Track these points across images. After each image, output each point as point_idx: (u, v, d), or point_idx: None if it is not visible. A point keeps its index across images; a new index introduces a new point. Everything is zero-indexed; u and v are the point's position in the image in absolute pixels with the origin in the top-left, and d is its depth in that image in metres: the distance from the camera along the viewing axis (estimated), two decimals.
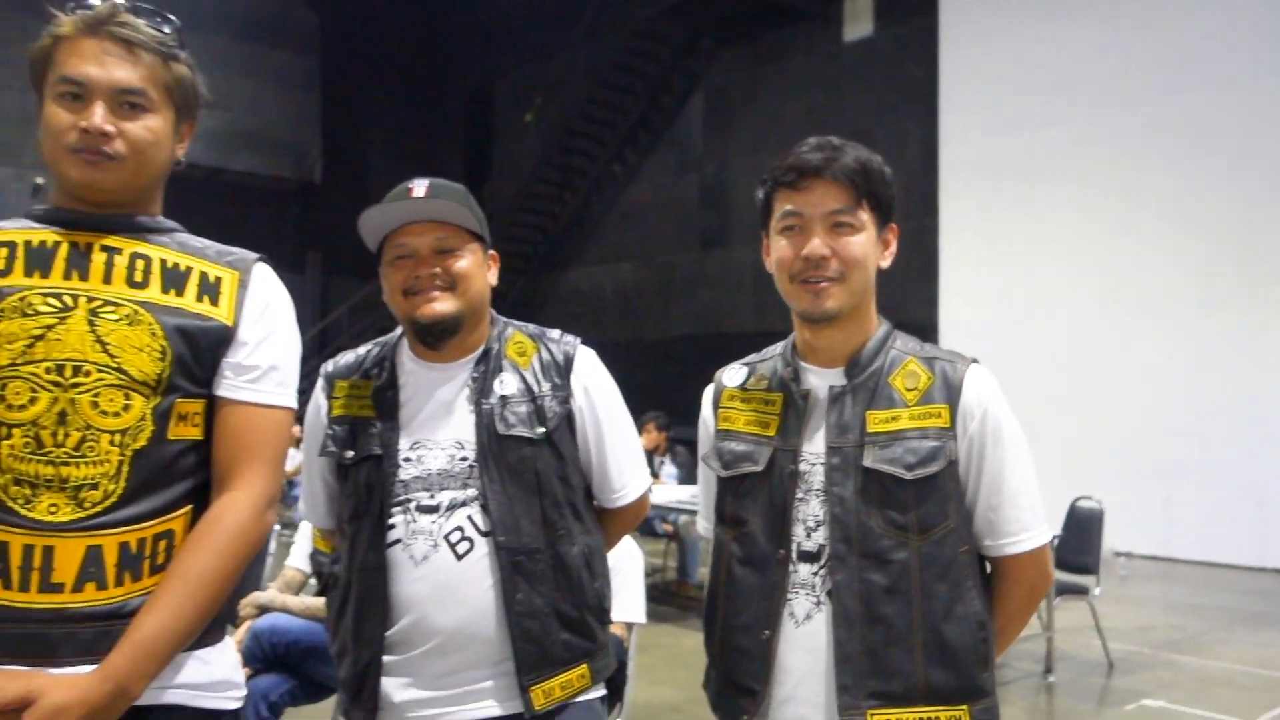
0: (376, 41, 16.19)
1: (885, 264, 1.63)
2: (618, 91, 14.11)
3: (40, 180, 14.27)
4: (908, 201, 11.12)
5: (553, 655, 1.71)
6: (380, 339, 1.88)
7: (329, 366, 1.86)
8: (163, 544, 1.38)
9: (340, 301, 15.27)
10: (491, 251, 1.83)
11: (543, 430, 1.74)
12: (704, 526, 1.80)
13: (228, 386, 1.45)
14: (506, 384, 1.77)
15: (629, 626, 3.10)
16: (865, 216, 1.56)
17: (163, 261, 1.44)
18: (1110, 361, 9.06)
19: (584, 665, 1.75)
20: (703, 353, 12.23)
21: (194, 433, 1.43)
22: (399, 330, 1.84)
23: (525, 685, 1.68)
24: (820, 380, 1.61)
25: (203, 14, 14.72)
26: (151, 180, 1.48)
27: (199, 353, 1.42)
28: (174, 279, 1.44)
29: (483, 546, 1.69)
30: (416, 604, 1.68)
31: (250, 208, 14.44)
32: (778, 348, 1.71)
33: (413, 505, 1.71)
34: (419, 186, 1.73)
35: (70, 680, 1.27)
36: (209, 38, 14.91)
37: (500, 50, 15.99)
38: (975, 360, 1.61)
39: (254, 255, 1.53)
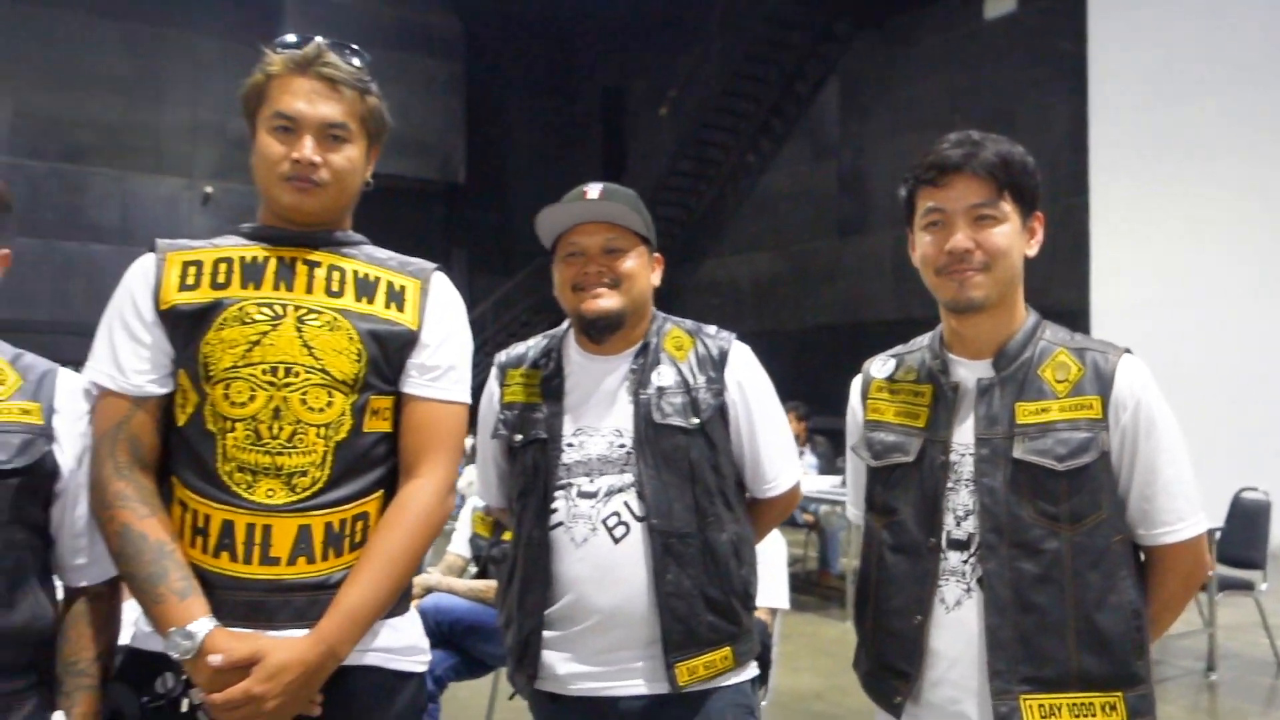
0: (515, 45, 16.61)
1: (1031, 252, 1.63)
2: (751, 81, 14.06)
3: (209, 189, 15.25)
4: (1055, 180, 10.72)
5: (698, 636, 1.78)
6: (549, 331, 1.99)
7: (502, 356, 1.99)
8: (360, 524, 1.53)
9: (484, 297, 15.75)
10: (656, 254, 1.93)
11: (696, 421, 1.82)
12: (854, 513, 1.84)
13: (413, 384, 1.58)
14: (664, 376, 1.85)
15: (773, 612, 3.17)
16: (1008, 208, 1.57)
17: (355, 272, 1.59)
18: (1274, 345, 8.55)
19: (727, 648, 1.82)
20: (841, 342, 12.11)
21: (385, 426, 1.57)
22: (566, 323, 1.95)
23: (670, 662, 1.77)
24: (968, 372, 1.63)
25: (358, 28, 15.40)
26: (348, 201, 1.63)
27: (389, 354, 1.56)
28: (365, 288, 1.58)
29: (638, 531, 1.78)
30: (577, 584, 1.79)
31: (400, 209, 14.96)
32: (925, 339, 1.73)
33: (574, 490, 1.82)
34: (593, 189, 1.84)
35: (289, 643, 1.43)
36: (364, 50, 15.59)
37: (634, 47, 16.14)
38: (1128, 350, 1.60)
39: (432, 265, 1.67)
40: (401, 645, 1.59)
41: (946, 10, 11.86)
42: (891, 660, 1.64)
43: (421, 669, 1.62)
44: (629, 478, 1.81)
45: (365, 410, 1.54)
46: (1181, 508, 1.57)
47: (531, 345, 1.99)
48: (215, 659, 1.38)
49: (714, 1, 14.08)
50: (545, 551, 1.81)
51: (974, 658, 1.55)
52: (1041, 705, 1.51)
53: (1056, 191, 10.64)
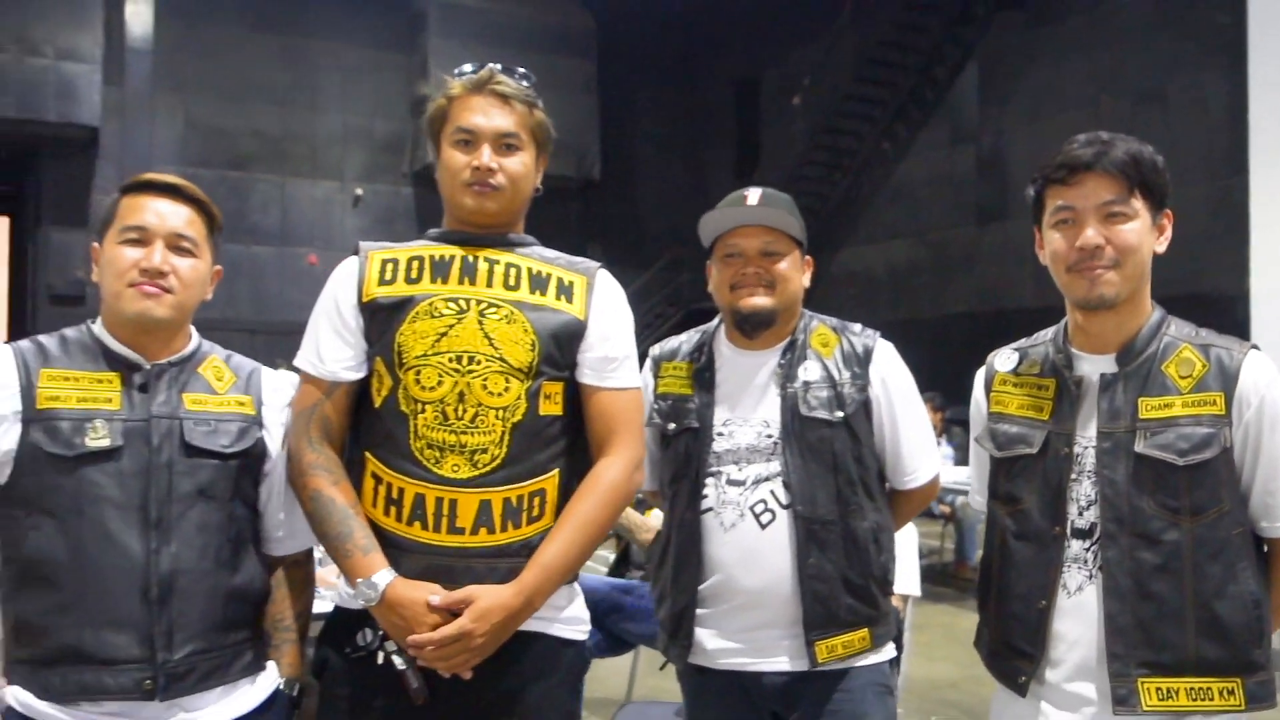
0: (648, 41, 16.69)
1: (1160, 249, 1.67)
2: (886, 67, 13.85)
3: (359, 191, 15.99)
4: (1210, 162, 10.21)
5: (838, 617, 1.89)
6: (700, 327, 2.13)
7: (655, 350, 2.14)
8: (536, 500, 1.70)
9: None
10: (807, 257, 2.05)
11: (841, 414, 1.93)
12: (978, 501, 1.90)
13: (594, 377, 1.75)
14: (810, 371, 1.97)
15: (905, 599, 3.23)
16: (1138, 205, 1.61)
17: (529, 269, 1.77)
18: None
19: (865, 629, 1.92)
20: (981, 330, 11.83)
21: (556, 409, 1.74)
22: (717, 319, 2.08)
23: (810, 640, 1.88)
24: (1092, 367, 1.68)
25: (496, 31, 15.83)
26: (521, 204, 1.81)
27: (560, 343, 1.73)
28: (538, 282, 1.75)
29: (783, 518, 1.91)
30: (725, 566, 1.92)
31: (537, 206, 15.29)
32: (1049, 333, 1.78)
33: (723, 478, 1.95)
34: (752, 195, 1.98)
35: (496, 589, 1.62)
36: (500, 52, 15.94)
37: (766, 37, 16.08)
38: (1255, 346, 1.62)
39: (596, 264, 1.83)
40: (567, 615, 1.76)
41: None
42: (1015, 642, 1.71)
43: (582, 637, 1.79)
44: (775, 467, 1.92)
45: (539, 395, 1.70)
46: None
47: (684, 340, 2.12)
48: (435, 599, 1.60)
49: None
50: (696, 534, 1.94)
51: (1094, 641, 1.62)
52: (1159, 688, 1.57)
53: (1213, 173, 10.14)
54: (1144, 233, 1.63)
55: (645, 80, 17.32)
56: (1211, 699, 1.57)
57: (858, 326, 2.05)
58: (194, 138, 14.83)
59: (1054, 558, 1.66)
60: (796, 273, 1.99)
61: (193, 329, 1.76)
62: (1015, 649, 1.71)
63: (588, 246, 17.23)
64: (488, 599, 1.61)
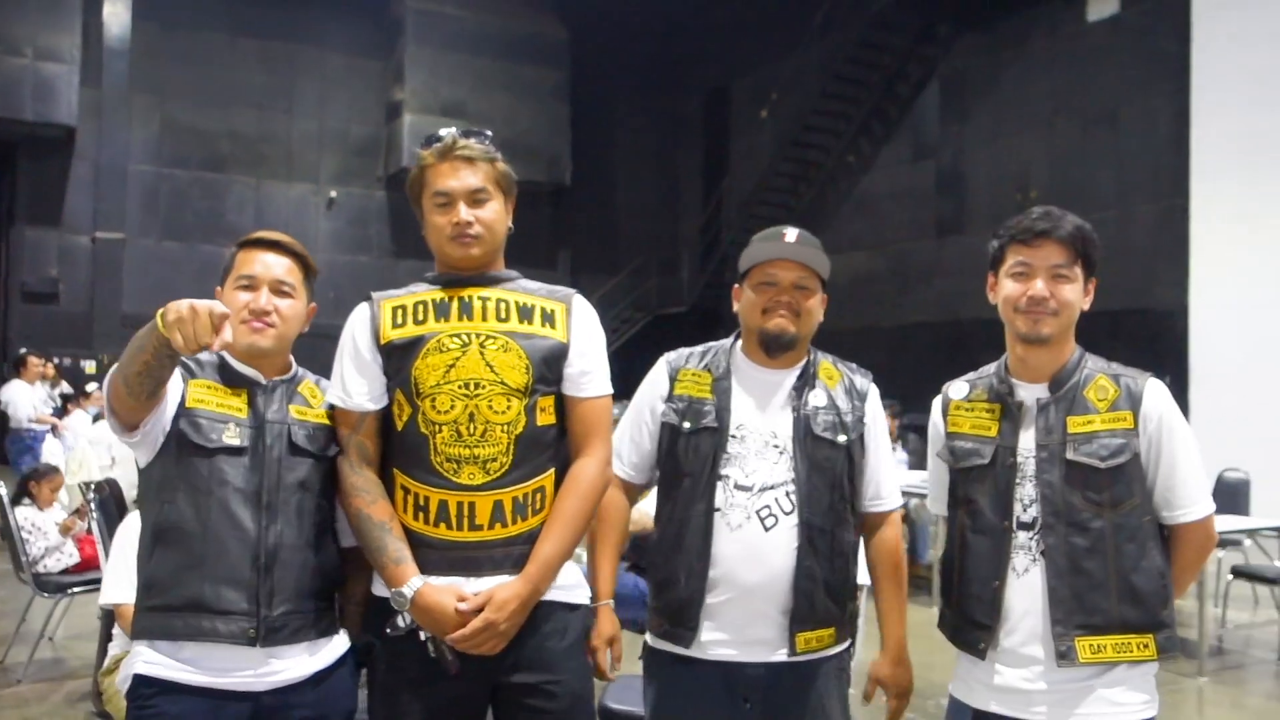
0: (621, 51, 16.95)
1: (1086, 306, 2.06)
2: (852, 84, 14.27)
3: (333, 194, 16.13)
4: (1157, 181, 10.70)
5: (816, 615, 2.14)
6: (712, 344, 2.32)
7: (672, 356, 2.31)
8: (539, 496, 2.00)
9: (588, 295, 16.21)
10: (823, 295, 2.25)
11: (844, 439, 2.17)
12: (937, 508, 2.25)
13: (572, 388, 2.04)
14: (818, 397, 2.19)
15: (860, 588, 3.49)
16: (1078, 271, 2.01)
17: (516, 302, 2.05)
18: None
19: (833, 628, 2.17)
20: (939, 339, 12.26)
21: (550, 419, 2.03)
22: (731, 339, 2.29)
23: (793, 631, 2.13)
24: (1029, 393, 2.05)
25: (468, 38, 16.02)
26: (499, 245, 2.08)
27: (549, 364, 2.02)
28: (525, 313, 2.05)
29: (785, 522, 2.13)
30: (726, 560, 2.13)
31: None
32: (991, 368, 2.15)
33: (731, 482, 2.15)
34: (790, 234, 2.21)
35: (509, 585, 1.92)
36: (472, 59, 16.22)
37: (737, 51, 16.42)
38: (1152, 375, 2.03)
39: (572, 291, 2.12)
40: (570, 583, 2.06)
41: (1050, 13, 11.91)
42: (975, 616, 2.05)
43: (585, 601, 2.09)
44: (780, 476, 2.14)
45: (535, 409, 2.00)
46: (1194, 494, 1.99)
47: (700, 350, 2.30)
48: (464, 605, 1.88)
49: (817, 4, 14.34)
50: (703, 529, 2.14)
51: (1040, 611, 1.97)
52: (1092, 644, 1.94)
53: (1158, 192, 10.64)
54: (1078, 292, 2.02)
55: (617, 88, 17.59)
56: (1131, 651, 1.94)
57: (854, 365, 2.27)
58: (170, 138, 14.92)
59: (1004, 546, 2.02)
60: (819, 308, 2.23)
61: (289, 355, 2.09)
62: (975, 622, 2.06)
63: (558, 252, 17.48)
64: (503, 593, 1.88)
